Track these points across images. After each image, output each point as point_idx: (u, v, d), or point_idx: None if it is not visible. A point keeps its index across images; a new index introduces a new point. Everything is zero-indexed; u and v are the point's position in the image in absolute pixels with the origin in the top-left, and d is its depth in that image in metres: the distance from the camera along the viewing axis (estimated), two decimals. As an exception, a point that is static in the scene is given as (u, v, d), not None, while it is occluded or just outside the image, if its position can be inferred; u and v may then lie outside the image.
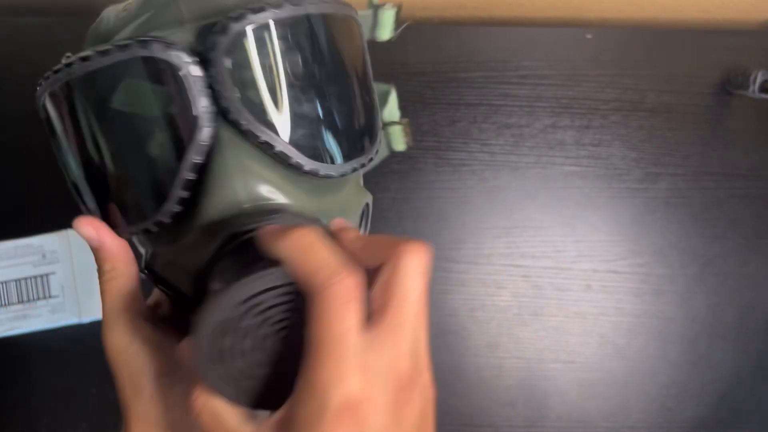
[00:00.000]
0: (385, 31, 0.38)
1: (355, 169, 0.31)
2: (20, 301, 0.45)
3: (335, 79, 0.30)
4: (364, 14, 0.37)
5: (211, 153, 0.27)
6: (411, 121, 0.55)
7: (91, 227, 0.30)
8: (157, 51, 0.26)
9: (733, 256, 0.54)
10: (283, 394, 0.24)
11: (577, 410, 0.53)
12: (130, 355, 0.29)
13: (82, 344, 0.52)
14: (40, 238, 0.45)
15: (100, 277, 0.31)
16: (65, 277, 0.45)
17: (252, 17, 0.26)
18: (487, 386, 0.52)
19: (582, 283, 0.53)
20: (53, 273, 0.45)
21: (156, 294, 0.33)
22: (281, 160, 0.28)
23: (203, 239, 0.27)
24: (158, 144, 0.28)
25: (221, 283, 0.25)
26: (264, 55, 0.27)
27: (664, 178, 0.54)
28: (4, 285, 0.45)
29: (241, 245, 0.26)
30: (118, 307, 0.30)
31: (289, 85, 0.28)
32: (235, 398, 0.25)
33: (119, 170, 0.29)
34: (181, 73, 0.26)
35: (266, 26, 0.27)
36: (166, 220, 0.28)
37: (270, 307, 0.24)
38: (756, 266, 0.54)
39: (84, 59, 0.28)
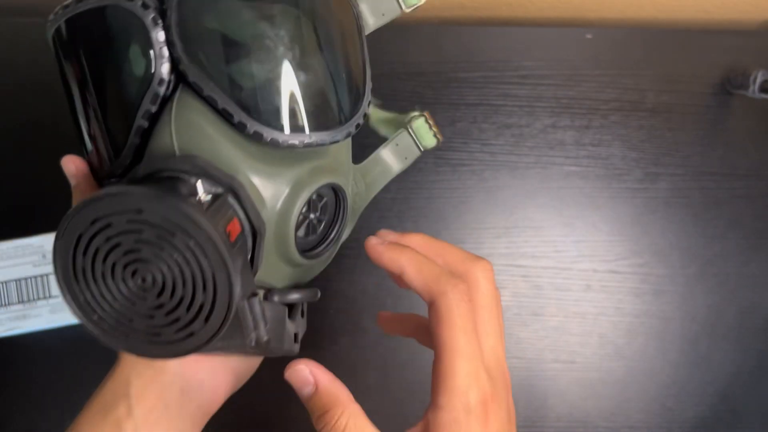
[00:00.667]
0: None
1: (308, 144, 0.29)
2: (20, 301, 0.45)
3: (294, 37, 0.29)
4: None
5: (163, 104, 0.28)
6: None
7: (72, 165, 0.33)
8: (120, 0, 0.28)
9: (733, 256, 0.54)
10: (130, 340, 0.25)
11: (577, 410, 0.53)
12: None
13: (82, 344, 0.52)
14: (40, 238, 0.45)
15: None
16: (65, 277, 0.45)
17: None
18: (487, 386, 0.52)
19: (582, 283, 0.53)
20: (53, 273, 0.45)
21: None
22: (227, 119, 0.28)
23: None
24: (121, 95, 0.29)
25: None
26: (213, 7, 0.27)
27: (664, 178, 0.54)
28: (4, 285, 0.45)
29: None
30: None
31: (238, 41, 0.28)
32: (93, 326, 0.25)
33: (88, 117, 0.31)
34: (140, 23, 0.27)
35: None
36: (126, 163, 0.30)
37: (120, 234, 0.23)
38: (756, 266, 0.54)
39: (65, 7, 0.30)
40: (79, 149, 0.34)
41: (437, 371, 0.26)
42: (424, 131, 0.38)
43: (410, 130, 0.38)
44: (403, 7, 0.35)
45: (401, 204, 0.54)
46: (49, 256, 0.46)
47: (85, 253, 0.24)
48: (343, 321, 0.52)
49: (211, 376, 0.32)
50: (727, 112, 0.55)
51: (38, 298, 0.45)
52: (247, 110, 0.28)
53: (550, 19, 0.62)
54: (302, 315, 0.36)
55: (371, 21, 0.34)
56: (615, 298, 0.53)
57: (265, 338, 0.28)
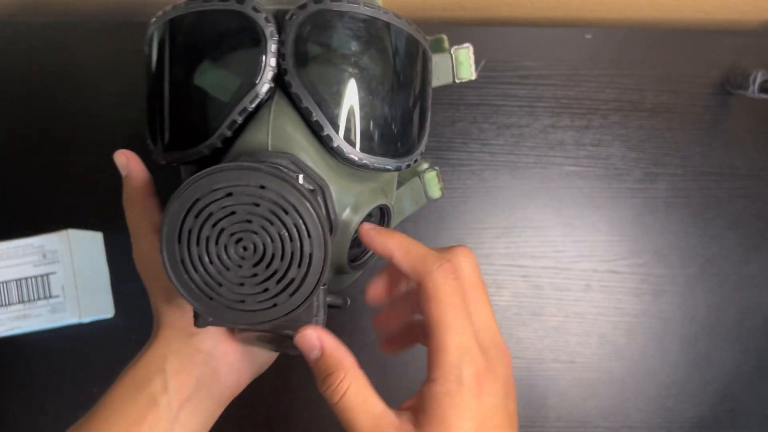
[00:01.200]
0: (466, 70, 0.41)
1: (378, 167, 0.33)
2: (21, 301, 0.45)
3: (385, 78, 0.34)
4: (441, 57, 0.40)
5: (260, 105, 0.32)
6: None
7: (123, 157, 0.35)
8: (248, 9, 0.31)
9: (733, 256, 0.54)
10: (212, 304, 0.27)
11: (576, 410, 0.53)
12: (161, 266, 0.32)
13: (82, 344, 0.52)
14: (40, 238, 0.46)
15: (124, 203, 0.35)
16: (66, 277, 0.45)
17: (329, 3, 0.31)
18: (487, 386, 0.52)
19: (582, 283, 0.54)
20: (53, 273, 0.45)
21: None
22: (316, 131, 0.32)
23: None
24: (222, 89, 0.32)
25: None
26: (327, 36, 0.32)
27: (663, 178, 0.54)
28: (4, 285, 0.45)
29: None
30: (144, 228, 0.34)
31: (341, 68, 0.32)
32: (181, 285, 0.27)
33: (186, 101, 0.34)
34: (260, 32, 0.31)
35: (339, 14, 0.31)
36: (206, 152, 0.32)
37: (238, 204, 0.26)
38: (756, 266, 0.54)
39: (191, 1, 0.33)
40: (142, 133, 0.37)
41: (430, 348, 0.27)
42: (433, 184, 0.43)
43: (422, 178, 0.43)
44: (455, 79, 0.41)
45: (401, 204, 0.54)
46: (50, 255, 0.46)
47: (197, 216, 0.26)
48: (343, 321, 0.52)
49: (240, 360, 0.34)
50: (727, 112, 0.55)
51: (38, 298, 0.45)
52: (335, 126, 0.32)
53: (550, 19, 0.62)
54: None
55: (443, 80, 0.41)
56: (614, 298, 0.54)
57: (321, 325, 0.30)
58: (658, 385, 0.53)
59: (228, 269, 0.27)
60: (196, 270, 0.27)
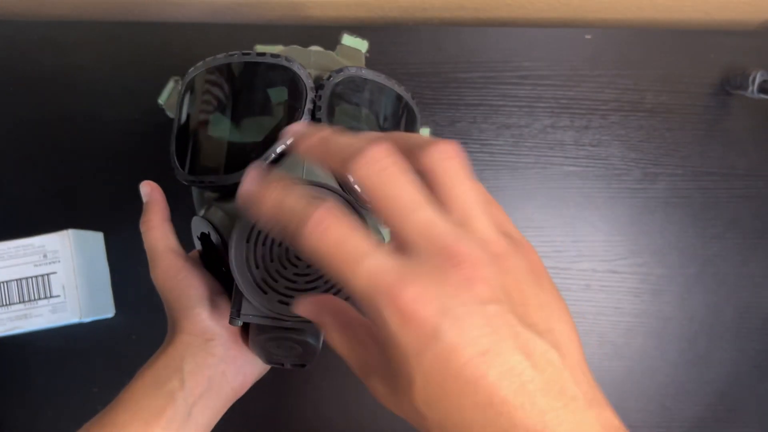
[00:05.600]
0: None
1: None
2: (21, 301, 0.45)
3: (386, 123, 0.41)
4: None
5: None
6: (411, 121, 0.55)
7: (148, 187, 0.40)
8: (295, 66, 0.38)
9: (732, 256, 0.54)
10: (267, 296, 0.31)
11: (576, 410, 0.53)
12: (178, 280, 0.37)
13: (82, 344, 0.52)
14: (41, 238, 0.46)
15: (141, 226, 0.39)
16: (66, 276, 0.46)
17: (359, 71, 0.39)
18: (487, 386, 0.53)
19: (581, 283, 0.54)
20: (54, 273, 0.46)
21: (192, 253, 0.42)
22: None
23: None
24: (265, 126, 0.37)
25: None
26: (353, 96, 0.39)
27: (663, 178, 0.54)
28: (5, 285, 0.45)
29: None
30: (162, 249, 0.38)
31: (359, 121, 0.39)
32: (243, 279, 0.31)
33: (236, 132, 0.38)
34: (303, 86, 0.37)
35: (364, 80, 0.39)
36: (225, 189, 0.37)
37: None
38: (755, 266, 0.54)
39: (245, 53, 0.38)
40: (169, 164, 0.40)
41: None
42: None
43: None
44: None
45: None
46: (50, 255, 0.46)
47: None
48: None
49: (245, 364, 0.38)
50: (726, 112, 0.55)
51: (39, 298, 0.45)
52: None
53: (550, 19, 0.62)
54: None
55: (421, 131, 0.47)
56: (614, 297, 0.54)
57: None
58: (658, 384, 0.53)
59: (285, 267, 0.31)
60: (257, 266, 0.31)
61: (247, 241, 0.31)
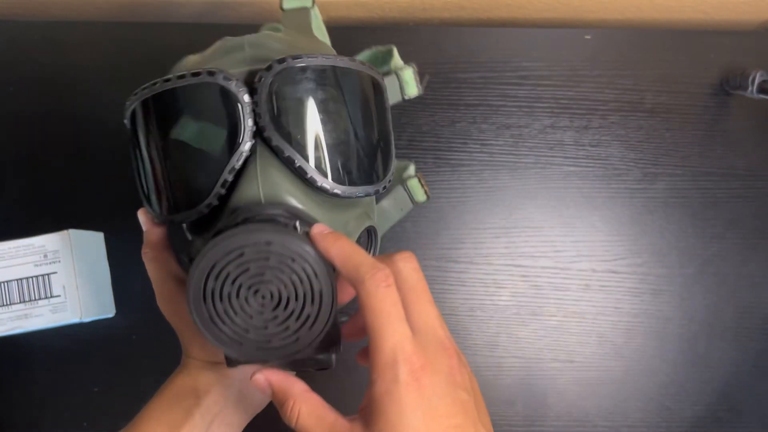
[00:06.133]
0: (412, 88, 0.44)
1: (360, 195, 0.37)
2: (22, 301, 0.45)
3: (350, 117, 0.38)
4: (389, 79, 0.43)
5: (246, 161, 0.34)
6: (410, 121, 0.55)
7: (145, 215, 0.40)
8: (219, 79, 0.34)
9: (732, 256, 0.54)
10: (243, 347, 0.31)
11: (575, 409, 0.53)
12: (182, 307, 0.37)
13: (83, 344, 0.52)
14: (41, 238, 0.46)
15: (142, 257, 0.39)
16: (66, 276, 0.46)
17: (291, 61, 0.35)
18: (487, 385, 0.53)
19: (581, 283, 0.54)
20: (54, 273, 0.46)
21: None
22: (300, 175, 0.35)
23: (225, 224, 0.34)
24: (209, 153, 0.35)
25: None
26: (295, 90, 0.35)
27: (662, 178, 0.55)
28: (5, 285, 0.45)
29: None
30: (163, 276, 0.39)
31: (312, 116, 0.36)
32: (214, 338, 0.31)
33: (178, 168, 0.37)
34: (234, 98, 0.34)
35: (302, 69, 0.35)
36: (205, 210, 0.35)
37: (250, 261, 0.30)
38: (754, 266, 0.54)
39: (166, 80, 0.36)
40: (140, 200, 0.39)
41: (370, 353, 0.30)
42: (417, 189, 0.46)
43: (406, 187, 0.46)
44: (404, 98, 0.44)
45: (401, 204, 0.54)
46: (51, 255, 0.46)
47: (217, 277, 0.30)
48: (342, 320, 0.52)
49: None
50: (726, 112, 0.55)
51: (39, 298, 0.45)
52: (318, 168, 0.35)
53: (550, 20, 0.62)
54: None
55: (392, 99, 0.43)
56: (614, 297, 0.54)
57: (340, 350, 0.34)
58: (657, 384, 0.53)
59: (252, 317, 0.31)
60: (224, 322, 0.31)
61: (204, 302, 0.30)
